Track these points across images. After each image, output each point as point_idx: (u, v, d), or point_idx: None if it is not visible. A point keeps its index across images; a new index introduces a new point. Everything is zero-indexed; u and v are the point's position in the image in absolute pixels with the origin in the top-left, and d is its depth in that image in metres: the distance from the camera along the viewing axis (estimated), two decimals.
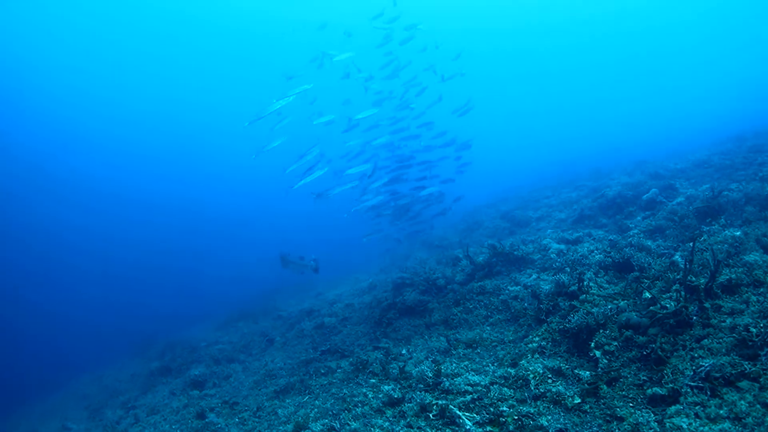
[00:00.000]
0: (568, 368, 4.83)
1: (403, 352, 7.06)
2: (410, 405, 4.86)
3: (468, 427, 4.18)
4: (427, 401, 4.75)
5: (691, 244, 6.69)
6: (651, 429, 3.59)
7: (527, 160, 38.04)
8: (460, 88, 20.01)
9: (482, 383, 4.91)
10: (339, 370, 7.43)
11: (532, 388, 4.57)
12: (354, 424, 4.94)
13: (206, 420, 7.63)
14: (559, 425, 3.98)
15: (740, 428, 3.26)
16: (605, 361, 4.64)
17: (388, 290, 10.36)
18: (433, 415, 4.53)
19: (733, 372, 3.72)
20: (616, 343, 4.76)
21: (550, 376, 4.76)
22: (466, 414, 4.38)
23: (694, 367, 3.93)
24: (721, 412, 3.41)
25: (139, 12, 52.46)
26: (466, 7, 61.80)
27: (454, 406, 4.52)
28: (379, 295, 10.66)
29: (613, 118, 47.64)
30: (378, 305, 9.53)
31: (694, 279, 5.00)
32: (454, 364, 5.74)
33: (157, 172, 59.76)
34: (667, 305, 4.81)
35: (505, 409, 4.31)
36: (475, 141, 17.56)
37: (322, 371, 7.71)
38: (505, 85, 63.94)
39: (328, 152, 13.79)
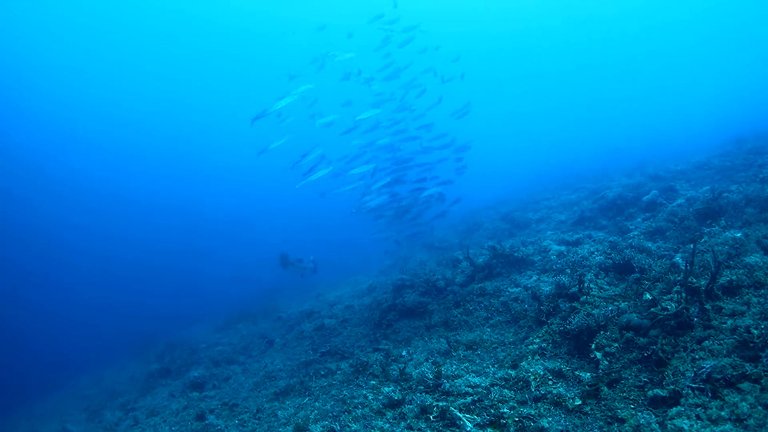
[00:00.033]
0: (568, 370, 4.83)
1: (403, 353, 7.05)
2: (410, 407, 4.85)
3: (468, 428, 4.18)
4: (428, 403, 4.74)
5: (691, 245, 6.70)
6: (652, 431, 3.58)
7: (527, 162, 38.07)
8: (460, 89, 20.04)
9: (483, 385, 4.90)
10: (339, 372, 7.41)
11: (533, 390, 4.56)
12: (354, 426, 4.93)
13: (206, 422, 7.61)
14: (560, 427, 3.97)
15: (742, 430, 3.25)
16: (606, 362, 4.63)
17: (388, 292, 10.35)
18: (433, 417, 4.53)
19: (735, 373, 3.72)
20: (616, 345, 4.76)
21: (550, 377, 4.75)
22: (467, 416, 4.37)
23: (695, 369, 3.93)
24: (723, 413, 3.40)
25: (139, 12, 52.51)
26: (465, 9, 61.88)
27: (455, 408, 4.51)
28: (379, 296, 10.65)
29: (612, 120, 47.69)
30: (378, 307, 9.52)
31: (694, 280, 4.99)
32: (455, 366, 5.73)
33: (157, 172, 59.84)
34: (668, 307, 4.80)
35: (505, 410, 4.31)
36: (474, 143, 17.60)
37: (322, 373, 7.70)
38: (505, 87, 64.04)
39: (328, 153, 13.81)
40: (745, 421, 3.29)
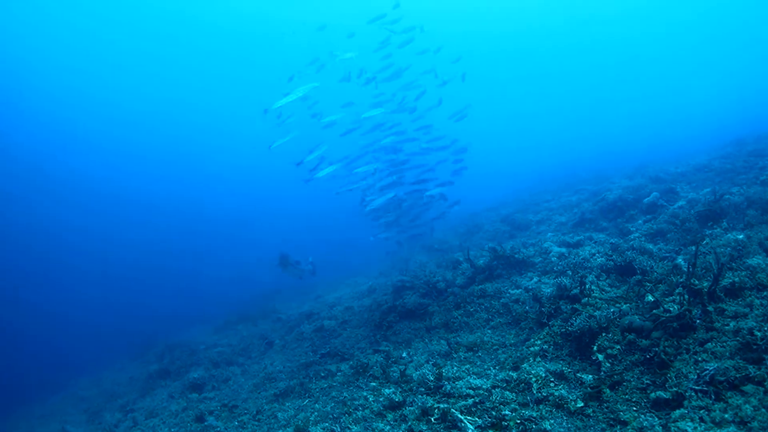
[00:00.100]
0: (570, 372, 4.81)
1: (404, 355, 7.03)
2: (411, 408, 4.83)
3: (470, 430, 4.15)
4: (429, 405, 4.72)
5: (692, 247, 6.69)
6: None
7: (527, 163, 38.06)
8: (461, 90, 20.03)
9: (484, 387, 4.88)
10: (339, 374, 7.39)
11: (535, 392, 4.54)
12: (355, 428, 4.91)
13: (205, 423, 7.58)
14: (562, 429, 3.95)
15: None
16: (608, 364, 4.61)
17: (388, 293, 10.32)
18: (434, 419, 4.51)
19: (738, 376, 3.70)
20: (618, 347, 4.74)
21: (552, 379, 4.73)
22: (468, 418, 4.35)
23: (698, 371, 3.91)
24: (726, 416, 3.39)
25: (139, 12, 52.50)
26: (467, 9, 61.91)
27: (456, 410, 4.49)
28: (379, 298, 10.62)
29: (613, 121, 47.72)
30: (378, 308, 9.49)
31: (697, 282, 4.97)
32: (455, 368, 5.71)
33: (157, 172, 59.79)
34: (671, 308, 4.79)
35: (507, 412, 4.29)
36: (474, 144, 17.57)
37: (322, 374, 7.68)
38: (505, 88, 64.07)
39: (329, 153, 13.81)
40: (748, 424, 3.27)
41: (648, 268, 6.41)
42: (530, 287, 7.63)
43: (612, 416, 3.98)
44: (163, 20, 55.28)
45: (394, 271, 13.73)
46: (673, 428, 3.46)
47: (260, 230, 41.43)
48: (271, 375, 8.89)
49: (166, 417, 8.89)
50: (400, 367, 6.11)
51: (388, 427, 4.69)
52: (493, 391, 4.76)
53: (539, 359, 5.23)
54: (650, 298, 5.28)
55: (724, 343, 4.19)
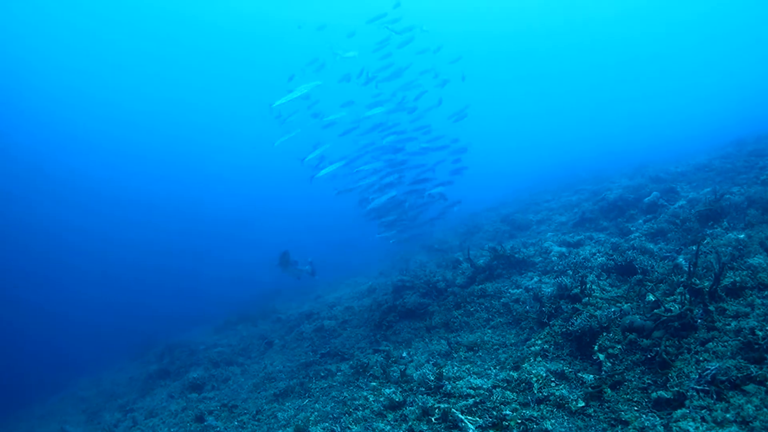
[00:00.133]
0: (571, 371, 4.79)
1: (404, 355, 7.01)
2: (412, 408, 4.82)
3: (471, 430, 4.14)
4: (429, 404, 4.70)
5: (693, 247, 6.68)
6: None
7: (527, 163, 38.06)
8: (461, 90, 20.02)
9: (484, 386, 4.87)
10: (339, 373, 7.38)
11: (535, 392, 4.53)
12: (355, 428, 4.89)
13: (205, 423, 7.57)
14: (563, 429, 3.93)
15: None
16: (609, 364, 4.60)
17: (388, 293, 10.30)
18: (435, 419, 4.49)
19: (739, 375, 3.68)
20: (619, 347, 4.73)
21: (553, 379, 4.72)
22: (469, 418, 4.33)
23: (699, 371, 3.89)
24: (728, 415, 3.37)
25: (139, 12, 52.49)
26: (467, 9, 61.91)
27: (457, 410, 4.47)
28: (379, 298, 10.60)
29: (613, 121, 47.72)
30: (378, 308, 9.48)
31: (698, 282, 4.96)
32: (456, 368, 5.69)
33: (157, 172, 59.77)
34: (672, 308, 4.77)
35: (508, 412, 4.27)
36: (474, 144, 17.55)
37: (322, 374, 7.66)
38: (505, 88, 64.07)
39: (330, 153, 13.82)
40: (750, 424, 3.26)
41: (649, 268, 6.40)
42: (531, 287, 7.62)
43: (613, 416, 3.96)
44: (163, 20, 55.28)
45: (394, 271, 13.72)
46: (674, 428, 3.45)
47: (260, 230, 41.40)
48: (271, 375, 8.88)
49: (165, 417, 8.88)
50: (401, 366, 6.10)
51: (388, 427, 4.67)
52: (493, 390, 4.75)
53: (540, 359, 5.22)
54: (651, 297, 5.27)
55: (726, 343, 4.17)
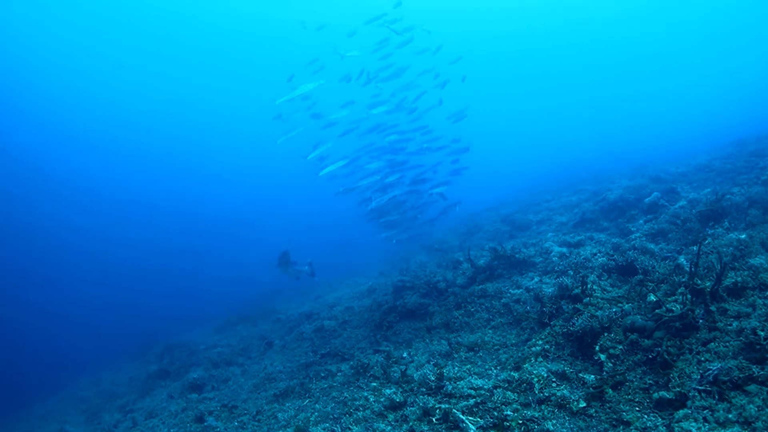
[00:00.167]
0: (572, 372, 4.78)
1: (404, 355, 7.00)
2: (412, 409, 4.81)
3: (472, 431, 4.13)
4: (430, 405, 4.70)
5: (694, 247, 6.67)
6: None
7: (527, 164, 38.03)
8: (461, 91, 19.99)
9: (485, 387, 4.86)
10: (339, 374, 7.36)
11: (536, 392, 4.52)
12: (356, 428, 4.88)
13: (205, 424, 7.55)
14: (564, 430, 3.92)
15: None
16: (610, 364, 4.59)
17: (389, 293, 10.29)
18: (436, 419, 4.48)
19: (741, 376, 3.68)
20: (621, 347, 4.72)
21: (554, 379, 4.71)
22: (470, 418, 4.33)
23: (701, 371, 3.88)
24: (730, 416, 3.36)
25: (139, 12, 52.47)
26: (466, 9, 61.90)
27: (458, 410, 4.46)
28: (379, 298, 10.59)
29: (613, 121, 47.70)
30: (378, 308, 9.46)
31: (699, 282, 4.95)
32: (456, 368, 5.68)
33: (157, 172, 59.74)
34: (673, 308, 4.76)
35: (509, 413, 4.26)
36: (474, 144, 17.53)
37: (323, 375, 7.65)
38: (505, 88, 64.05)
39: (328, 153, 13.81)
40: (753, 424, 3.25)
41: (650, 268, 6.39)
42: (531, 287, 7.61)
43: (615, 416, 3.96)
44: (163, 20, 55.26)
45: (395, 271, 13.70)
46: (676, 428, 3.44)
47: (260, 230, 41.39)
48: (271, 375, 8.86)
49: (165, 417, 8.86)
50: (401, 367, 6.09)
51: (389, 428, 4.66)
52: (494, 391, 4.74)
53: (541, 359, 5.21)
54: (652, 297, 5.26)
55: (727, 343, 4.17)
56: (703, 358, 4.10)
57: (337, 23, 22.97)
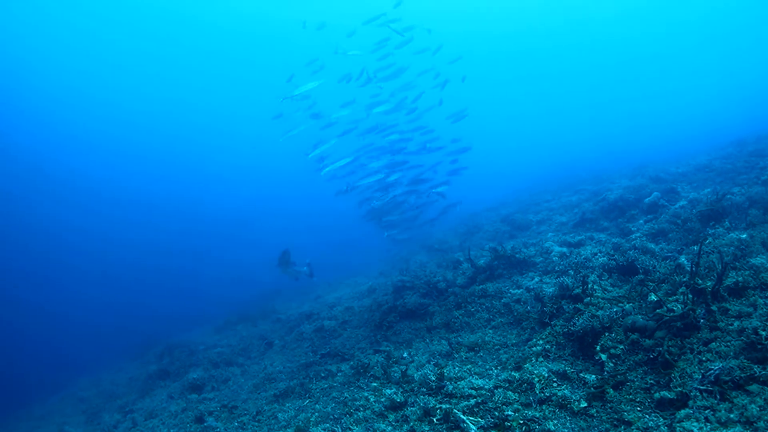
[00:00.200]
0: (573, 372, 4.77)
1: (405, 355, 6.99)
2: (413, 409, 4.80)
3: (472, 431, 4.12)
4: (431, 405, 4.69)
5: (694, 247, 6.67)
6: None
7: (527, 164, 38.02)
8: (461, 91, 19.98)
9: (486, 387, 4.84)
10: (339, 374, 7.35)
11: (537, 392, 4.51)
12: (356, 429, 4.87)
13: (205, 424, 7.54)
14: (565, 430, 3.91)
15: None
16: (611, 364, 4.58)
17: (389, 293, 10.28)
18: (436, 420, 4.47)
19: (743, 375, 3.67)
20: (622, 347, 4.71)
21: (555, 379, 4.70)
22: (471, 418, 4.31)
23: (702, 371, 3.88)
24: (732, 416, 3.35)
25: (139, 12, 52.45)
26: (466, 9, 61.89)
27: (458, 410, 4.45)
28: (379, 298, 10.58)
29: (613, 121, 47.69)
30: (378, 308, 9.45)
31: (700, 282, 4.94)
32: (457, 368, 5.67)
33: (157, 172, 59.73)
34: (674, 308, 4.75)
35: (510, 413, 4.25)
36: (474, 144, 17.53)
37: (323, 375, 7.64)
38: (505, 88, 64.04)
39: (328, 154, 13.80)
40: (754, 424, 3.24)
41: (650, 268, 6.38)
42: (532, 287, 7.60)
43: (616, 416, 3.95)
44: (163, 20, 55.25)
45: (394, 271, 13.69)
46: (678, 428, 3.43)
47: (260, 230, 41.37)
48: (271, 375, 8.85)
49: (165, 418, 8.85)
50: (401, 367, 6.08)
51: (389, 428, 4.65)
52: (495, 391, 4.73)
53: (542, 359, 5.20)
54: (653, 297, 5.25)
55: (729, 343, 4.16)
56: (704, 358, 4.09)
57: (337, 23, 22.97)
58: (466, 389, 4.87)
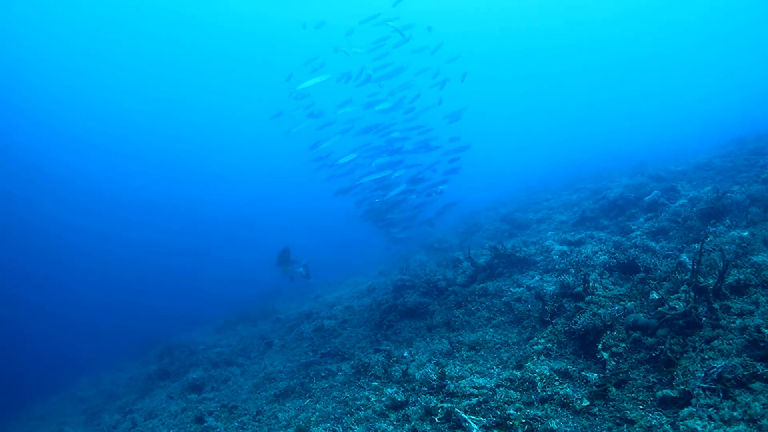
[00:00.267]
0: (575, 370, 4.75)
1: (405, 354, 6.97)
2: (414, 408, 4.77)
3: (474, 430, 4.10)
4: (432, 404, 4.66)
5: (695, 245, 6.65)
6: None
7: (527, 163, 38.04)
8: (460, 90, 19.95)
9: (488, 386, 4.82)
10: (340, 373, 7.33)
11: (539, 391, 4.49)
12: (357, 428, 4.85)
13: (205, 424, 7.52)
14: (568, 428, 3.89)
15: (755, 430, 3.17)
16: (613, 362, 4.56)
17: (389, 292, 10.26)
18: (438, 419, 4.44)
19: (746, 373, 3.64)
20: (624, 345, 4.68)
21: (556, 378, 4.68)
22: (472, 417, 4.29)
23: (705, 369, 3.85)
24: (735, 414, 3.33)
25: (139, 12, 52.41)
26: (466, 9, 61.85)
27: (460, 410, 4.43)
28: (379, 297, 10.56)
29: (613, 121, 47.70)
30: (378, 307, 9.43)
31: (702, 279, 4.92)
32: (458, 367, 5.65)
33: (157, 172, 59.76)
34: (676, 306, 4.73)
35: (512, 412, 4.23)
36: (474, 143, 17.51)
37: (323, 374, 7.62)
38: (505, 87, 64.05)
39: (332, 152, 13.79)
40: (758, 422, 3.21)
41: (651, 266, 6.36)
42: (532, 285, 7.58)
43: (618, 415, 3.92)
44: (163, 20, 55.20)
45: (394, 270, 13.67)
46: (681, 427, 3.40)
47: (260, 230, 41.38)
48: (271, 375, 8.83)
49: (165, 418, 8.82)
50: (402, 366, 6.06)
51: (391, 428, 4.63)
52: (497, 390, 4.70)
53: (543, 358, 5.17)
54: (655, 295, 5.23)
55: (731, 341, 4.13)
56: (706, 356, 4.07)
57: (337, 22, 22.93)
58: (467, 388, 4.85)
